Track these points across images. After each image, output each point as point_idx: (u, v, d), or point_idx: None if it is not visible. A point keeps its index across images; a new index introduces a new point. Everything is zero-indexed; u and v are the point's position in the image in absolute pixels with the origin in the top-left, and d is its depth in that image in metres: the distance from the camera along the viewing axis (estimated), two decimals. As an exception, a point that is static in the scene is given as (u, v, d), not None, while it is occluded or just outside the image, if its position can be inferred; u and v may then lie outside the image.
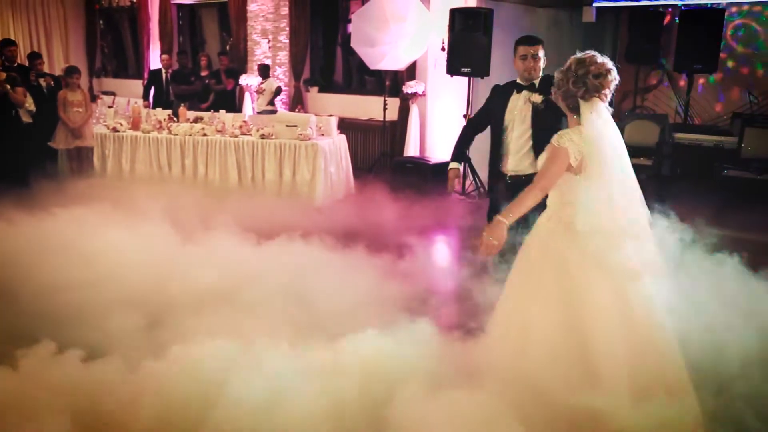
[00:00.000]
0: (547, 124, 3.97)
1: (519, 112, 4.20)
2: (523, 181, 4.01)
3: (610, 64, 2.98)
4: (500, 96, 4.33)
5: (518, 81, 4.27)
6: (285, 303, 4.00)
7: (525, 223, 3.24)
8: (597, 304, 2.89)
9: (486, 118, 4.49)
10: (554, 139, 3.03)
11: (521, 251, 3.19)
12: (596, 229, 2.90)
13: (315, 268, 4.70)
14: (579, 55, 3.01)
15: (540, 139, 4.01)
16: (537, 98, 4.10)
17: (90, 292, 4.15)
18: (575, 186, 2.99)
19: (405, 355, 3.18)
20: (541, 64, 4.21)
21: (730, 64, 10.14)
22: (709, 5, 9.62)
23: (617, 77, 3.00)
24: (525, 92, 4.19)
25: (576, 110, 3.03)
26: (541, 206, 3.16)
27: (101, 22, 14.59)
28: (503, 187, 4.26)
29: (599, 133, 2.96)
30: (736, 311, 3.60)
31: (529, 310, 3.02)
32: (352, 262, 5.06)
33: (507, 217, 3.00)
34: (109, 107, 9.47)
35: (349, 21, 10.45)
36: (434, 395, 2.82)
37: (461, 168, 4.51)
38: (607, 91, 2.99)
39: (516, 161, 4.22)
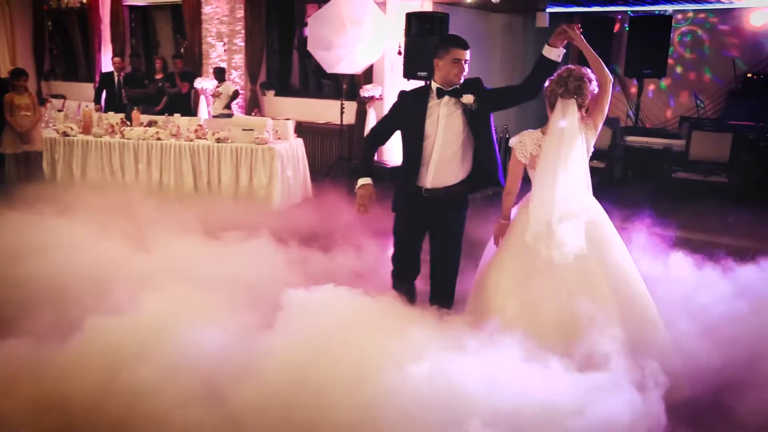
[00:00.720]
0: (480, 127, 3.75)
1: (444, 119, 3.73)
2: (441, 194, 3.79)
3: (592, 76, 3.50)
4: (413, 103, 3.81)
5: (438, 86, 3.75)
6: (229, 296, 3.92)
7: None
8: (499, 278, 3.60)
9: (393, 128, 3.99)
10: (511, 140, 3.65)
11: None
12: (540, 213, 3.46)
13: (263, 267, 4.68)
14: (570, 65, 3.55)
15: (481, 143, 3.76)
16: (469, 98, 3.69)
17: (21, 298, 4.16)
18: (534, 176, 3.59)
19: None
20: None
21: (678, 69, 10.44)
22: (657, 12, 9.91)
23: (597, 89, 3.50)
24: (447, 97, 3.72)
25: (553, 108, 3.52)
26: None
27: (50, 23, 14.22)
28: (418, 202, 3.84)
29: (559, 130, 3.45)
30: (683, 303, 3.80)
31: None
32: (304, 262, 5.08)
33: (504, 218, 3.77)
34: (59, 111, 9.22)
35: (306, 24, 10.43)
36: None
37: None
38: (584, 97, 3.48)
39: (438, 173, 3.77)
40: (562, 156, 3.41)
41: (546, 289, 3.43)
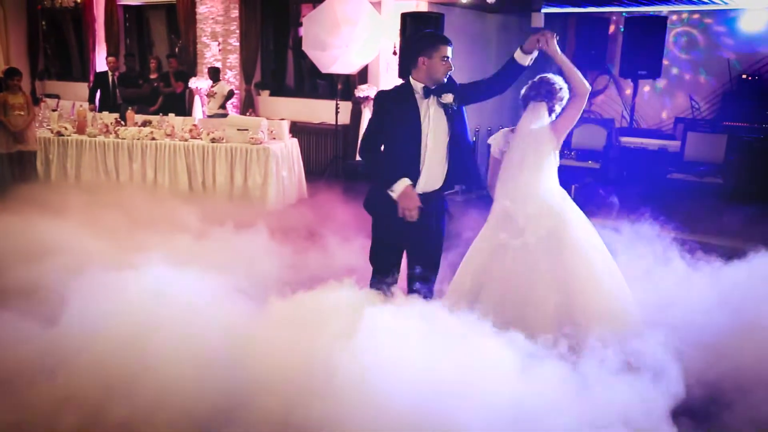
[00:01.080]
0: (459, 123, 3.65)
1: (433, 120, 3.59)
2: (431, 197, 3.66)
3: (564, 85, 3.68)
4: (402, 105, 3.61)
5: (424, 85, 3.59)
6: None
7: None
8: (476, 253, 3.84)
9: (384, 131, 3.68)
10: (489, 138, 3.94)
11: None
12: (502, 204, 3.72)
13: (258, 267, 4.69)
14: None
15: (461, 138, 3.66)
16: (448, 97, 3.56)
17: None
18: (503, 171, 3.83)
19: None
20: None
21: (672, 70, 10.46)
22: (651, 13, 9.93)
23: (566, 97, 3.70)
24: (432, 97, 3.59)
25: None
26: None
27: (44, 22, 14.17)
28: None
29: (525, 130, 3.70)
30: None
31: None
32: (299, 261, 5.08)
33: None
34: (53, 110, 9.18)
35: (301, 24, 10.41)
36: None
37: None
38: (554, 102, 3.71)
39: (428, 176, 3.64)
40: (525, 154, 3.66)
41: (496, 273, 3.69)
